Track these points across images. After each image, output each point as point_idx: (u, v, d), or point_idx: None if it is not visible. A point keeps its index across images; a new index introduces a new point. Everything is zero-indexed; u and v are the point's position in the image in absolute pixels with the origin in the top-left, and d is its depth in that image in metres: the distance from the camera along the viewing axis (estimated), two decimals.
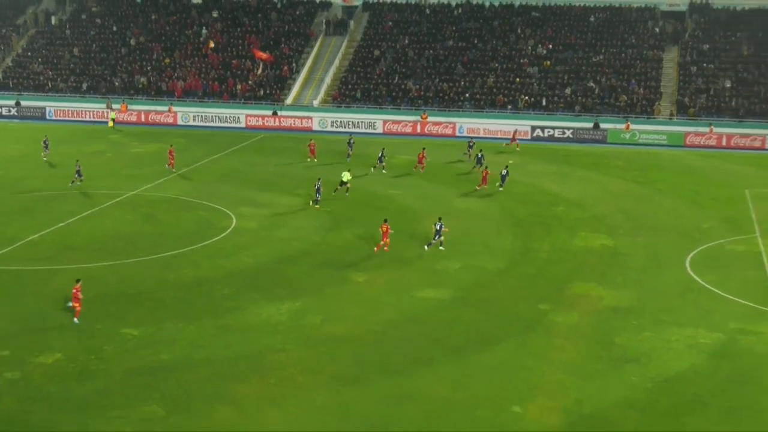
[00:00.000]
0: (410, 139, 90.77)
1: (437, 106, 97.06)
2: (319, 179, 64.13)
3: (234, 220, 59.53)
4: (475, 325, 42.87)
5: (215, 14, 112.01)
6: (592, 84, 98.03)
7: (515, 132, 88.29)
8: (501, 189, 68.17)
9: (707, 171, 78.53)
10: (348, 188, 66.28)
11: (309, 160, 77.97)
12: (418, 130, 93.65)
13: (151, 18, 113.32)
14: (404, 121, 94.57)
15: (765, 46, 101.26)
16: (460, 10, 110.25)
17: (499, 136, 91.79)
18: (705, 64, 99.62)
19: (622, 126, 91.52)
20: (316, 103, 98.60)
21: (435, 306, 45.17)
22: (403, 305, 45.11)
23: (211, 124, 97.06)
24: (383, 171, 74.53)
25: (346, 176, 66.54)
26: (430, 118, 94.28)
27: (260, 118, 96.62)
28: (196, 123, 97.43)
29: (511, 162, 73.84)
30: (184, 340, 40.15)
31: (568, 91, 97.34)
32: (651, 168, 78.03)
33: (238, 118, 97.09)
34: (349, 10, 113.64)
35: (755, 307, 45.63)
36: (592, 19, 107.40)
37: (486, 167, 70.51)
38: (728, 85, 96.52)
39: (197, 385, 35.94)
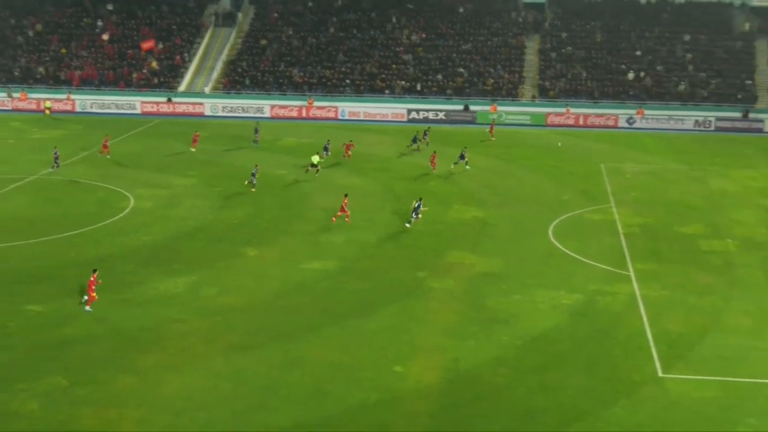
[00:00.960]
0: (297, 123, 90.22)
1: (321, 92, 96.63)
2: (257, 166, 63.14)
3: (132, 201, 58.53)
4: (359, 293, 43.01)
5: (110, 7, 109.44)
6: (461, 69, 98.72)
7: (493, 122, 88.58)
8: (468, 168, 68.63)
9: (566, 148, 79.81)
10: (318, 170, 65.77)
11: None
12: (304, 114, 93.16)
13: (48, 9, 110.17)
14: (290, 106, 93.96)
15: (617, 34, 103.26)
16: (340, 2, 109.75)
17: (378, 119, 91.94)
18: (563, 50, 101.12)
19: (490, 108, 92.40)
20: (207, 90, 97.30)
21: (321, 276, 45.16)
22: (292, 276, 45.01)
23: (109, 111, 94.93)
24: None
25: (315, 159, 66.02)
26: (315, 103, 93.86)
27: (155, 105, 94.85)
28: (93, 110, 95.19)
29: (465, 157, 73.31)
30: (87, 315, 39.39)
31: (440, 76, 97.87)
32: (515, 146, 79.03)
33: (134, 105, 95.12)
34: (236, 3, 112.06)
35: (611, 270, 46.72)
36: (461, 10, 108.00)
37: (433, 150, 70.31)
38: (584, 70, 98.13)
39: (100, 357, 35.38)
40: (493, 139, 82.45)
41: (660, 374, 35.02)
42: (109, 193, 60.48)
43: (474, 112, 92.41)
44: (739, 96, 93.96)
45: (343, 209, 53.93)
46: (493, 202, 59.49)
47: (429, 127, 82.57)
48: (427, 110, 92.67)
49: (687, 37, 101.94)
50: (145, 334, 37.70)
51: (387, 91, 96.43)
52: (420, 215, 54.11)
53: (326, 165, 68.18)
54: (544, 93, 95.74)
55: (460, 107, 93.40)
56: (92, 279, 40.20)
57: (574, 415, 31.79)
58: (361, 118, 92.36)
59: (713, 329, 39.52)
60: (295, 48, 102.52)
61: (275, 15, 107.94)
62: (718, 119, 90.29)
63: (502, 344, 37.56)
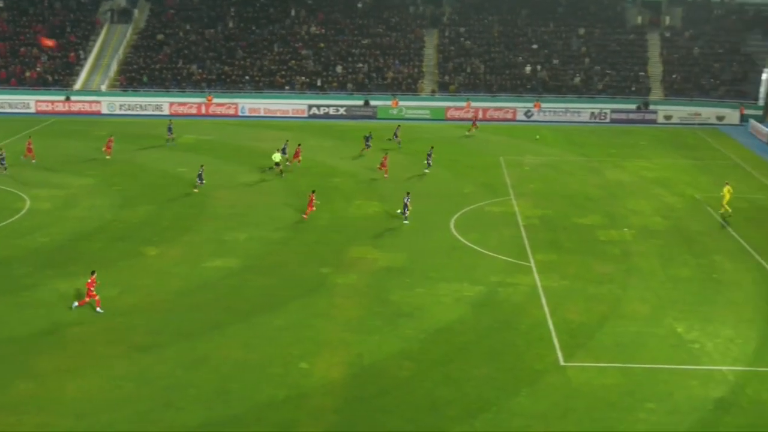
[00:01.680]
0: (196, 120, 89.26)
1: (220, 88, 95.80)
2: (202, 166, 62.16)
3: (28, 202, 57.26)
4: (263, 290, 42.86)
5: (0, 3, 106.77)
6: (361, 64, 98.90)
7: (475, 115, 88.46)
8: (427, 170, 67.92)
9: (466, 141, 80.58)
10: (282, 170, 65.05)
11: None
12: (203, 111, 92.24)
13: None
14: (190, 103, 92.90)
15: (514, 28, 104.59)
16: None
17: (278, 115, 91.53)
18: (462, 44, 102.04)
19: (390, 103, 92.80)
20: (103, 87, 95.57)
21: (224, 274, 44.87)
22: (194, 275, 44.64)
23: (1, 110, 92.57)
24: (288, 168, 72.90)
25: (276, 157, 65.29)
26: (214, 100, 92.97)
27: (50, 104, 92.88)
28: None
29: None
30: None
31: (339, 69, 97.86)
32: (416, 139, 79.50)
33: (28, 104, 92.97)
34: (132, 0, 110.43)
35: (512, 262, 47.38)
36: (360, 5, 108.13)
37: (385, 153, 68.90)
38: (482, 64, 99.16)
39: None
40: (469, 133, 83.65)
41: (562, 363, 35.67)
42: (3, 195, 59.05)
43: (375, 107, 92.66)
44: (633, 88, 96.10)
45: (311, 205, 54.37)
46: (395, 197, 59.76)
47: (399, 125, 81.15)
48: (328, 106, 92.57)
49: (582, 31, 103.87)
50: (44, 338, 36.97)
51: (287, 87, 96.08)
52: (407, 211, 54.48)
53: (247, 169, 67.63)
54: (443, 87, 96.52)
55: (361, 102, 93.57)
56: (92, 280, 39.97)
57: (479, 406, 32.18)
58: (262, 114, 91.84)
59: (612, 317, 40.38)
60: (192, 43, 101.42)
61: (172, 11, 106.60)
62: (614, 111, 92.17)
63: (406, 338, 37.80)
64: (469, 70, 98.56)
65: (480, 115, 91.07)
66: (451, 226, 53.89)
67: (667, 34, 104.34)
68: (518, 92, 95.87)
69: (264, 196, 59.31)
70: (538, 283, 44.28)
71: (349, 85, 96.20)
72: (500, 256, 48.20)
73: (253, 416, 31.26)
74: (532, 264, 47.15)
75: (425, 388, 33.43)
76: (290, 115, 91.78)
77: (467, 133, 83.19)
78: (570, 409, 32.10)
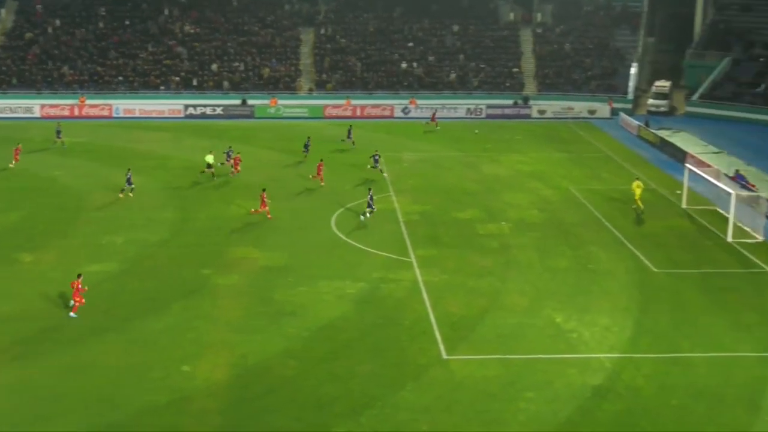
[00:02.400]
0: (69, 122, 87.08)
1: (93, 89, 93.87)
2: (129, 169, 60.16)
3: None
4: (142, 294, 42.33)
5: None
6: (237, 63, 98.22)
7: (434, 112, 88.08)
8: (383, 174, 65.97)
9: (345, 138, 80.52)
10: (213, 173, 63.77)
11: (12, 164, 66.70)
12: (77, 113, 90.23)
13: None
14: (62, 104, 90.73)
15: (389, 25, 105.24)
16: None
17: (154, 115, 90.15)
18: (338, 39, 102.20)
19: (268, 101, 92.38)
20: None
21: (102, 278, 44.12)
22: (71, 280, 43.70)
23: None
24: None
25: (209, 158, 63.91)
26: (87, 101, 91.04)
27: None
28: None
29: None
30: None
31: (214, 67, 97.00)
32: (296, 138, 79.25)
33: None
34: None
35: (393, 258, 47.80)
36: (235, 3, 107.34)
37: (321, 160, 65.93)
38: (359, 62, 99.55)
39: None
40: (438, 128, 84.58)
41: (444, 356, 36.17)
42: None
43: (252, 106, 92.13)
44: (508, 84, 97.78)
45: (263, 205, 53.92)
46: (276, 196, 59.50)
47: (351, 125, 79.96)
48: (205, 105, 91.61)
49: (456, 28, 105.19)
50: None
51: (162, 87, 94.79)
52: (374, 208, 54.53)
53: (105, 163, 66.45)
54: (321, 86, 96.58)
55: (238, 102, 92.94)
56: (77, 283, 39.63)
57: (364, 402, 32.41)
58: (137, 115, 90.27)
59: (492, 309, 41.11)
60: (63, 43, 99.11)
61: (39, 8, 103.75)
62: (489, 107, 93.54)
63: (290, 336, 37.83)
64: (345, 68, 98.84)
65: (358, 113, 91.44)
66: (332, 223, 54.03)
67: (539, 30, 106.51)
68: (395, 89, 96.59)
69: (140, 198, 58.45)
70: (420, 278, 44.77)
71: (226, 84, 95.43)
72: (381, 253, 48.55)
73: (136, 422, 30.87)
74: (413, 259, 47.64)
75: (310, 386, 33.51)
76: (166, 115, 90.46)
77: (426, 129, 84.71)
78: (454, 402, 32.58)
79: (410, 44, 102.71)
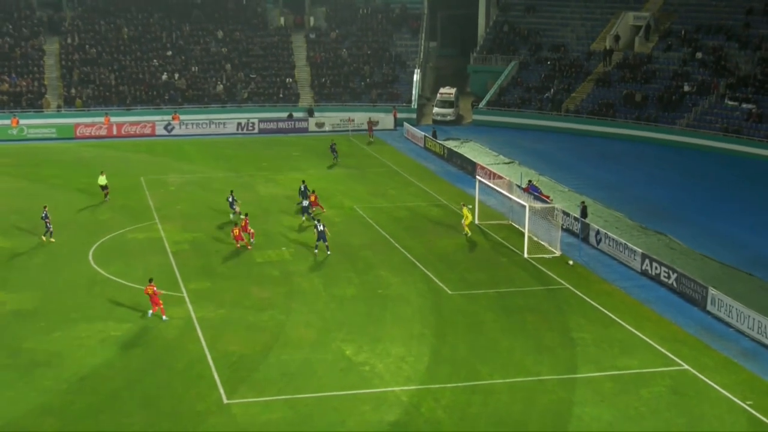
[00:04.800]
0: None
1: None
2: (45, 207, 56.29)
3: None
4: None
5: None
6: None
7: (369, 120, 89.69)
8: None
9: (101, 161, 78.23)
10: (107, 193, 63.73)
11: None
12: None
13: None
14: None
15: (146, 32, 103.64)
16: None
17: None
18: (87, 48, 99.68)
19: (9, 122, 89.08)
20: None
21: None
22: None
23: None
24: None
25: (102, 180, 64.07)
26: None
27: None
28: None
29: None
30: None
31: None
32: (43, 163, 76.88)
33: None
34: None
35: (162, 293, 46.58)
36: None
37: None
38: (112, 74, 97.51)
39: None
40: (372, 140, 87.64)
41: (225, 401, 35.73)
42: None
43: None
44: (281, 95, 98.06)
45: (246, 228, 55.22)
46: (22, 229, 57.39)
47: (333, 140, 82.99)
48: None
49: (220, 34, 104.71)
50: None
51: None
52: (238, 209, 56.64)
53: None
54: (70, 102, 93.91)
55: None
56: (153, 288, 43.75)
57: None
58: None
59: (276, 346, 40.93)
60: None
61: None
62: (262, 121, 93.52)
63: (46, 390, 36.48)
64: (97, 81, 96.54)
65: (114, 132, 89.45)
66: (90, 257, 52.60)
67: (313, 36, 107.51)
68: (156, 104, 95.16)
69: None
70: (193, 315, 44.18)
71: None
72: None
73: None
74: (185, 294, 46.98)
75: None
76: None
77: (370, 140, 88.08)
78: None
79: (169, 53, 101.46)
